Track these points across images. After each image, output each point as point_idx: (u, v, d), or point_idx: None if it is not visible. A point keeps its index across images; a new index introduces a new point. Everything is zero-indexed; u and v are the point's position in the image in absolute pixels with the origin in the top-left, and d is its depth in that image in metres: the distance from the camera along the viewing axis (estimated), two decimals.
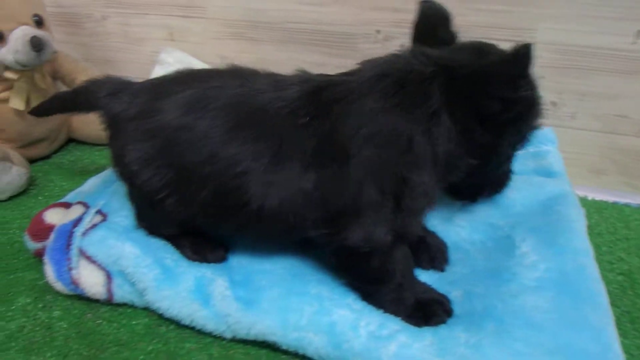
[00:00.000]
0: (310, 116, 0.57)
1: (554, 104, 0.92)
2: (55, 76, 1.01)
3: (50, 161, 1.02)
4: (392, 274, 0.59)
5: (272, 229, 0.61)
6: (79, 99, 0.73)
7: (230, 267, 0.68)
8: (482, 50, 0.58)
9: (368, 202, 0.55)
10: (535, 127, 0.61)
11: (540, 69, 0.87)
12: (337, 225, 0.57)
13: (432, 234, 0.72)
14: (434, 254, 0.69)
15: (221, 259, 0.70)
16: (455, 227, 0.75)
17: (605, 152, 0.93)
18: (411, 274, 0.62)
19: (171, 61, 0.99)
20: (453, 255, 0.71)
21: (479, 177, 0.64)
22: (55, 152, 1.05)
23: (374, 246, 0.56)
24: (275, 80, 0.61)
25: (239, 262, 0.69)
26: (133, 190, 0.68)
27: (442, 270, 0.69)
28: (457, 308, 0.61)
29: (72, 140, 1.08)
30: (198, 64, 0.98)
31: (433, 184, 0.57)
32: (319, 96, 0.58)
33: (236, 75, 0.63)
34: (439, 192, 0.60)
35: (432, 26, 0.61)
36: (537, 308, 0.57)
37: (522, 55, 0.51)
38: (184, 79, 0.65)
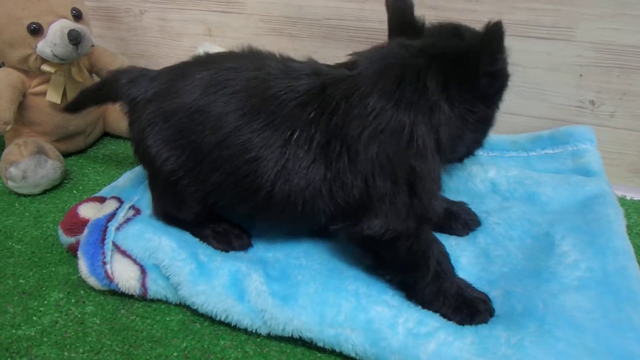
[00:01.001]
0: (317, 112, 0.59)
1: (592, 102, 0.90)
2: (92, 70, 1.02)
3: (86, 155, 1.03)
4: (423, 257, 0.59)
5: (284, 215, 0.63)
6: (104, 90, 0.75)
7: (266, 262, 0.68)
8: (456, 33, 0.61)
9: (381, 194, 0.57)
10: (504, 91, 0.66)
11: (579, 68, 0.87)
12: (353, 217, 0.59)
13: (456, 203, 0.75)
14: (465, 219, 0.73)
15: (246, 246, 0.71)
16: (491, 224, 0.74)
17: None
18: (448, 264, 0.62)
19: None
20: (492, 252, 0.69)
21: (472, 148, 0.69)
22: (91, 146, 1.06)
23: (396, 232, 0.57)
24: (288, 67, 0.63)
25: (275, 257, 0.69)
26: (152, 174, 0.69)
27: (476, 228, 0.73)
28: (497, 308, 0.60)
29: (107, 135, 1.09)
30: None
31: (439, 168, 0.60)
32: (325, 92, 0.60)
33: (252, 57, 0.65)
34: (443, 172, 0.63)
35: (402, 16, 0.65)
36: (579, 308, 0.57)
37: (496, 32, 0.55)
38: (202, 61, 0.66)
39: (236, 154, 0.60)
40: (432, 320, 0.57)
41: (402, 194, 0.57)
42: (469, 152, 0.70)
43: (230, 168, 0.61)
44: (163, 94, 0.64)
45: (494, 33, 0.55)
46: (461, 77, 0.58)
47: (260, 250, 0.71)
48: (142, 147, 0.65)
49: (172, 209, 0.70)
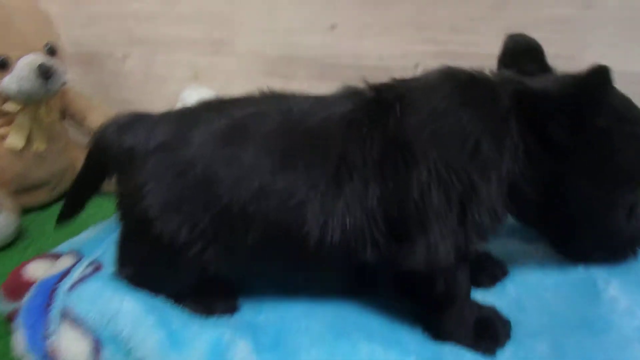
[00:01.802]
0: (368, 124, 0.51)
1: None
2: (65, 114, 0.95)
3: (50, 210, 0.94)
4: (455, 297, 0.53)
5: (332, 262, 0.54)
6: (95, 156, 0.61)
7: (256, 327, 0.56)
8: (566, 76, 0.52)
9: (434, 211, 0.49)
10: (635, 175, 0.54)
11: None
12: (400, 244, 0.50)
13: (485, 253, 0.66)
14: (492, 270, 0.63)
15: (233, 310, 0.59)
16: (519, 270, 0.64)
17: None
18: (470, 295, 0.56)
19: (195, 99, 0.92)
20: (526, 301, 0.59)
21: (570, 224, 0.57)
22: (57, 199, 0.96)
23: (436, 266, 0.50)
24: (321, 99, 0.56)
25: (267, 320, 0.57)
26: (142, 241, 0.55)
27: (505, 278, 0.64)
28: None
29: None
30: None
31: (501, 203, 0.51)
32: (376, 100, 0.53)
33: (276, 99, 0.57)
34: (505, 219, 0.53)
35: (518, 60, 0.57)
36: None
37: (593, 77, 0.47)
38: (216, 106, 0.57)
39: (277, 204, 0.50)
40: None
41: (453, 217, 0.48)
42: (588, 248, 0.60)
43: (267, 222, 0.51)
44: (171, 143, 0.53)
45: (593, 78, 0.47)
46: (535, 113, 0.50)
47: (249, 312, 0.59)
48: (135, 207, 0.53)
49: (151, 282, 0.58)
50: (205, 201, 0.51)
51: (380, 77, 0.86)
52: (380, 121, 0.51)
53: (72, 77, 1.01)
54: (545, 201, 0.53)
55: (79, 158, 0.95)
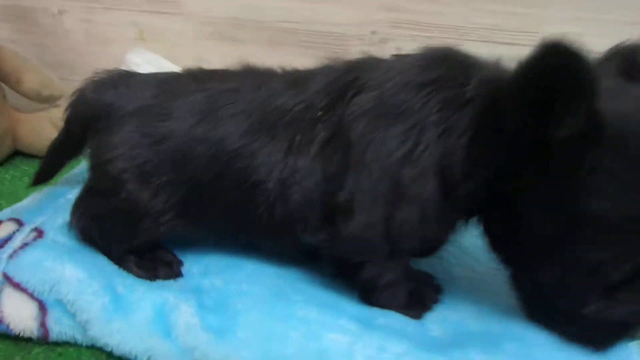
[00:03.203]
0: (323, 108, 0.51)
1: None
2: None
3: None
4: (383, 285, 0.55)
5: (283, 237, 0.56)
6: (73, 120, 0.60)
7: (201, 290, 0.58)
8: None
9: (359, 203, 0.48)
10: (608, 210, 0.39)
11: None
12: (333, 227, 0.51)
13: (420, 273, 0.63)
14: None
15: (175, 276, 0.61)
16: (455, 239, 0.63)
17: None
18: (406, 270, 0.58)
19: (139, 62, 0.90)
20: (456, 272, 0.64)
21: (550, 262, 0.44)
22: None
23: (367, 255, 0.52)
24: (296, 78, 0.55)
25: (212, 284, 0.60)
26: (105, 196, 0.57)
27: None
28: (469, 325, 0.55)
29: (18, 153, 0.95)
30: (171, 67, 0.89)
31: (440, 205, 0.46)
32: (337, 84, 0.51)
33: (253, 76, 0.57)
34: (453, 225, 0.51)
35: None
36: None
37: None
38: (199, 77, 0.58)
39: (239, 181, 0.52)
40: (394, 346, 0.50)
41: (378, 210, 0.47)
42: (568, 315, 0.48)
43: (231, 197, 0.54)
44: (151, 111, 0.54)
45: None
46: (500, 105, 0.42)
47: (195, 276, 0.61)
48: (105, 162, 0.55)
49: (103, 237, 0.60)
50: (177, 174, 0.54)
51: (335, 44, 0.86)
52: (335, 105, 0.50)
53: (2, 34, 0.95)
54: (494, 213, 0.47)
55: (19, 122, 0.92)
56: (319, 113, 0.51)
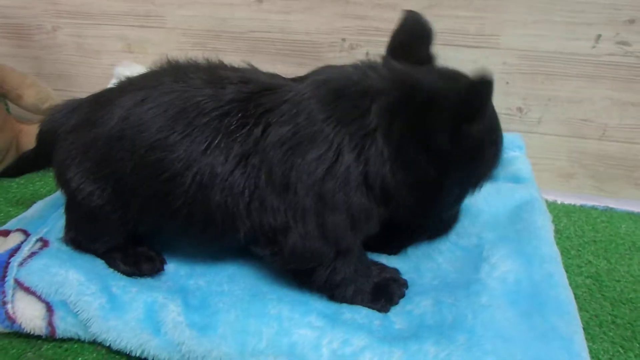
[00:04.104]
0: (238, 123, 0.55)
1: (520, 109, 0.91)
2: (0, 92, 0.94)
3: None
4: (343, 281, 0.60)
5: (205, 236, 0.60)
6: (43, 139, 0.68)
7: (187, 290, 0.64)
8: (450, 77, 0.54)
9: (294, 216, 0.54)
10: (489, 175, 0.58)
11: (506, 75, 0.89)
12: (275, 244, 0.57)
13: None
14: (399, 240, 0.70)
15: (157, 271, 0.67)
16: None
17: (572, 156, 0.92)
18: (364, 264, 0.63)
19: (128, 75, 0.93)
20: (422, 265, 0.69)
21: (422, 218, 0.62)
22: (2, 174, 0.92)
23: (314, 261, 0.57)
24: (215, 76, 0.59)
25: (197, 284, 0.65)
26: (71, 206, 0.65)
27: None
28: (427, 318, 0.59)
29: None
30: None
31: (366, 205, 0.54)
32: (251, 103, 0.56)
33: (174, 72, 0.62)
34: (379, 217, 0.57)
35: (410, 40, 0.58)
36: (508, 319, 0.56)
37: (477, 89, 0.46)
38: (122, 86, 0.63)
39: (154, 174, 0.57)
40: (357, 339, 0.55)
41: (311, 223, 0.54)
42: (420, 232, 0.67)
43: (149, 190, 0.58)
44: (82, 124, 0.61)
45: (477, 89, 0.46)
46: (417, 122, 0.51)
47: (182, 277, 0.67)
48: (62, 180, 0.63)
49: (86, 240, 0.67)
50: (108, 171, 0.60)
51: (309, 52, 0.89)
52: (248, 125, 0.55)
53: (2, 50, 1.00)
54: (415, 201, 0.55)
55: (22, 132, 0.97)
56: (233, 126, 0.55)
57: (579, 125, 0.89)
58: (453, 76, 0.54)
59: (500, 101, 0.90)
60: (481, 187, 0.60)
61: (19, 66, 1.00)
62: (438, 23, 0.85)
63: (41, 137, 0.67)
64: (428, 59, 0.58)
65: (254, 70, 0.61)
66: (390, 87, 0.53)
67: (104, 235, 0.65)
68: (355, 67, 0.57)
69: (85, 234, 0.66)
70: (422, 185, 0.54)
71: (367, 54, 0.59)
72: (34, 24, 1.03)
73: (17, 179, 0.96)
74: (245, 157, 0.55)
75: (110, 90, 0.64)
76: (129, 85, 0.62)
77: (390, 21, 0.86)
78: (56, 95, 0.96)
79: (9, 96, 0.93)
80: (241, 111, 0.55)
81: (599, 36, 0.81)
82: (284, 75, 0.60)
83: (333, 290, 0.61)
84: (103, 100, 0.62)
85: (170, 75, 0.60)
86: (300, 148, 0.53)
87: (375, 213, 0.56)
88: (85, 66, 1.05)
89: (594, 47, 0.82)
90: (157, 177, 0.57)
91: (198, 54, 0.95)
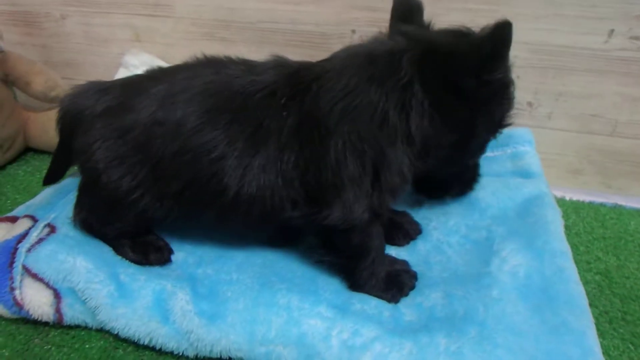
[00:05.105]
0: (287, 97, 0.57)
1: (530, 104, 0.90)
2: (7, 79, 0.94)
3: (4, 172, 0.95)
4: (369, 250, 0.61)
5: (250, 216, 0.61)
6: (62, 129, 0.67)
7: (195, 279, 0.64)
8: (461, 31, 0.58)
9: (349, 177, 0.55)
10: (508, 114, 0.61)
11: (517, 69, 0.87)
12: (318, 205, 0.57)
13: (399, 212, 0.74)
14: (407, 228, 0.72)
15: (164, 261, 0.67)
16: (431, 230, 0.73)
17: (582, 152, 0.92)
18: (383, 251, 0.64)
19: (137, 63, 0.94)
20: (431, 258, 0.69)
21: (453, 165, 0.65)
22: (11, 162, 0.98)
23: (352, 224, 0.57)
24: (250, 66, 0.61)
25: (205, 273, 0.65)
26: (93, 188, 0.64)
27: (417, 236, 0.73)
28: (437, 311, 0.59)
29: (29, 150, 1.01)
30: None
31: (408, 163, 0.56)
32: (295, 77, 0.58)
33: (209, 64, 0.63)
34: (414, 174, 0.59)
35: (407, 14, 0.61)
36: (519, 313, 0.56)
37: (499, 35, 0.50)
38: (155, 75, 0.64)
39: (199, 156, 0.57)
40: (367, 330, 0.55)
41: (366, 181, 0.56)
42: (454, 170, 0.68)
43: (192, 172, 0.58)
44: (116, 109, 0.61)
45: (500, 35, 0.50)
46: (446, 70, 0.54)
47: (191, 266, 0.67)
48: (87, 162, 0.62)
49: (98, 224, 0.67)
50: (144, 157, 0.60)
51: (319, 43, 0.89)
52: (298, 96, 0.57)
53: (11, 38, 0.99)
54: (454, 148, 0.59)
55: (29, 121, 0.97)
56: (283, 100, 0.57)
57: (589, 120, 0.89)
58: (460, 33, 0.58)
59: None
60: (501, 130, 0.64)
61: (27, 54, 1.00)
62: (448, 15, 0.86)
63: (64, 120, 0.66)
64: (424, 25, 0.61)
65: (283, 58, 0.63)
66: (412, 45, 0.56)
67: (119, 221, 0.65)
68: (371, 40, 0.60)
69: (99, 218, 0.66)
70: (457, 129, 0.57)
71: (380, 32, 0.60)
72: (43, 12, 1.03)
73: (23, 167, 0.97)
74: (299, 127, 0.56)
75: (141, 77, 0.64)
76: (164, 75, 0.63)
77: None
78: (64, 83, 0.96)
79: (18, 84, 0.93)
80: (287, 87, 0.58)
81: (612, 31, 0.81)
82: None
83: (356, 262, 0.61)
84: (136, 87, 0.62)
85: (208, 67, 0.62)
86: (350, 111, 0.55)
87: (413, 170, 0.58)
88: (93, 54, 1.05)
89: (606, 41, 0.82)
90: (202, 159, 0.57)
91: (206, 44, 0.97)
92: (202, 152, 0.57)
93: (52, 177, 0.76)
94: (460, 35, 0.57)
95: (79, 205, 0.68)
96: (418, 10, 0.61)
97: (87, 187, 0.66)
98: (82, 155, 0.62)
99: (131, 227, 0.65)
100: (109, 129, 0.60)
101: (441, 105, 0.55)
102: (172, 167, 0.59)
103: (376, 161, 0.55)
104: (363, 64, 0.56)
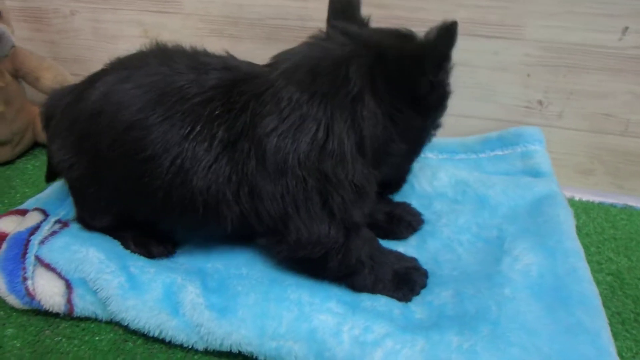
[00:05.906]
0: (223, 108, 0.55)
1: (540, 102, 0.90)
2: (17, 75, 0.94)
3: (14, 166, 0.96)
4: (357, 264, 0.59)
5: (184, 220, 0.60)
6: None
7: (205, 273, 0.64)
8: (402, 34, 0.57)
9: (296, 203, 0.54)
10: (445, 111, 0.62)
11: (527, 67, 0.87)
12: (276, 233, 0.56)
13: (399, 204, 0.73)
14: (408, 220, 0.71)
15: (167, 254, 0.68)
16: (441, 227, 0.72)
17: (592, 152, 0.91)
18: (380, 254, 0.63)
19: None
20: (441, 256, 0.68)
21: (399, 170, 0.66)
22: (20, 156, 0.98)
23: (324, 247, 0.56)
24: (198, 62, 0.59)
25: (214, 267, 0.65)
26: (70, 188, 0.67)
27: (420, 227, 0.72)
28: (448, 309, 0.59)
29: (38, 145, 1.01)
30: None
31: (365, 173, 0.54)
32: (236, 89, 0.56)
33: (159, 54, 0.62)
34: (375, 180, 0.58)
35: (345, 9, 0.60)
36: (532, 312, 0.56)
37: (449, 36, 0.50)
38: (113, 65, 0.64)
39: (131, 153, 0.56)
40: (379, 327, 0.54)
41: (315, 205, 0.53)
42: (399, 173, 0.68)
43: (125, 169, 0.58)
44: (72, 103, 0.62)
45: (449, 36, 0.50)
46: (399, 76, 0.53)
47: (200, 260, 0.67)
48: (52, 158, 0.64)
49: (86, 217, 0.67)
50: (87, 145, 0.60)
51: None
52: (234, 111, 0.55)
53: (21, 34, 0.98)
54: (405, 155, 0.60)
55: (37, 115, 0.96)
56: (217, 111, 0.55)
57: (600, 120, 0.88)
58: (402, 34, 0.57)
59: (520, 93, 0.90)
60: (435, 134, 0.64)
61: (36, 50, 1.00)
62: (459, 12, 0.86)
63: (43, 123, 0.68)
64: (363, 22, 0.60)
65: (233, 58, 0.62)
66: (357, 50, 0.54)
67: (98, 213, 0.65)
68: (310, 45, 0.57)
69: (83, 210, 0.67)
70: (409, 135, 0.58)
71: (319, 30, 0.59)
72: (51, 8, 1.03)
73: (32, 161, 0.97)
74: (232, 142, 0.55)
75: (103, 69, 0.64)
76: (117, 64, 0.63)
77: (413, 10, 0.86)
78: (73, 79, 0.95)
79: (27, 79, 0.94)
80: (225, 97, 0.56)
81: (626, 28, 0.80)
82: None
83: (351, 278, 0.60)
84: (93, 77, 0.63)
85: (157, 58, 0.60)
86: (291, 133, 0.52)
87: (373, 178, 0.57)
88: (102, 51, 1.04)
89: (620, 39, 0.81)
90: (133, 156, 0.56)
91: (215, 41, 0.96)
92: (133, 150, 0.56)
93: (52, 175, 0.76)
94: (401, 37, 0.56)
95: (74, 203, 0.69)
96: (356, 4, 0.60)
97: (68, 185, 0.67)
98: (50, 153, 0.65)
99: (112, 220, 0.65)
100: (64, 120, 0.62)
101: (394, 113, 0.54)
102: (106, 159, 0.59)
103: (320, 184, 0.53)
104: (306, 80, 0.53)
